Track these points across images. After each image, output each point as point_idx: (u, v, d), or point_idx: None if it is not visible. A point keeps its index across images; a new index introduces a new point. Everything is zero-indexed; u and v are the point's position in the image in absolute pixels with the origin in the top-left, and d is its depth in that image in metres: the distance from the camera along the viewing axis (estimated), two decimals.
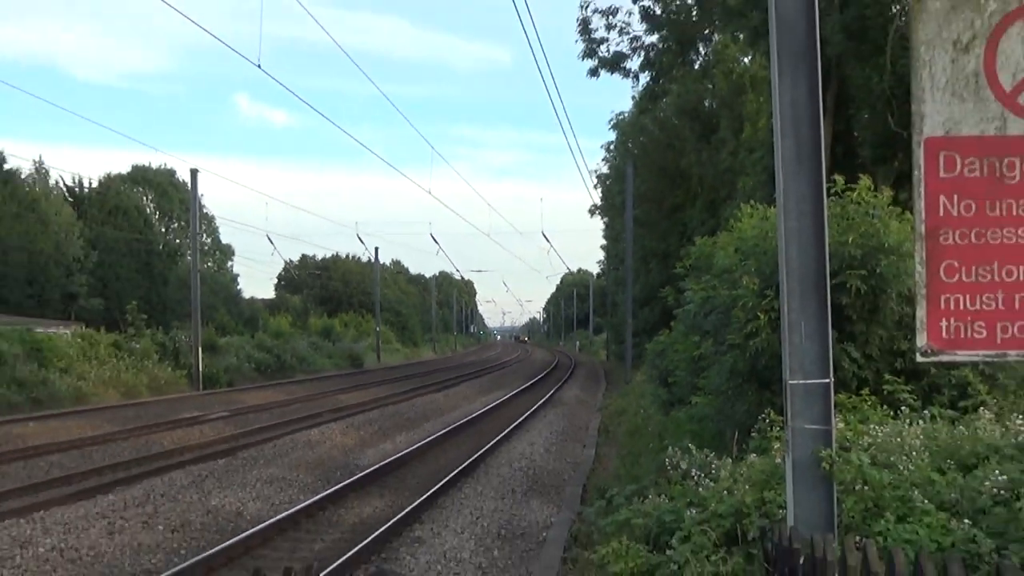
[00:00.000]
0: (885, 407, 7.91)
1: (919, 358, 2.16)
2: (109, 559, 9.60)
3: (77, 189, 60.62)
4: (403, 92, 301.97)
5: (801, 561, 2.99)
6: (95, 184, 61.83)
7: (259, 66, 19.72)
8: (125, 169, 68.53)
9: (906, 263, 8.46)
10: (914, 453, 6.46)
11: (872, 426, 7.12)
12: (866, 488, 5.91)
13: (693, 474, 7.81)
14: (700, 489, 7.37)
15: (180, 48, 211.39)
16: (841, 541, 2.68)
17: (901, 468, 6.20)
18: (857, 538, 4.15)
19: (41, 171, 60.51)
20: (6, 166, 54.41)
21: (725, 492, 6.97)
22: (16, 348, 27.49)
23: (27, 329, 31.40)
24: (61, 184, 60.97)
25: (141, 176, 67.81)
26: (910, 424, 7.19)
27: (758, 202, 11.99)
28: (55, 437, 18.74)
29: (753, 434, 8.28)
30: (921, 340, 2.12)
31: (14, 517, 11.07)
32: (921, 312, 2.12)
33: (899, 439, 6.71)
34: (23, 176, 57.16)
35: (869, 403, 7.93)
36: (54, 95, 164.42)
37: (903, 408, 7.84)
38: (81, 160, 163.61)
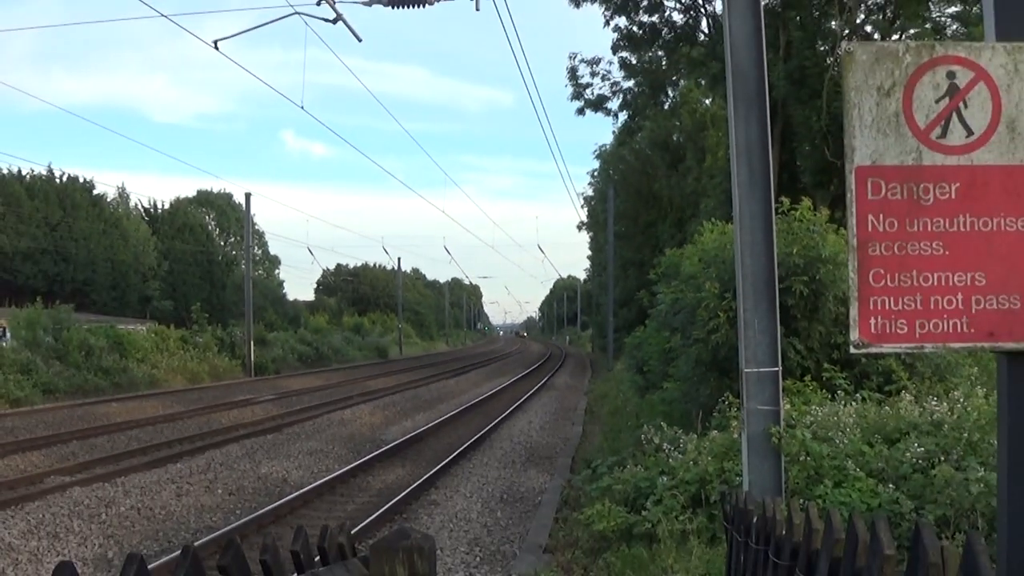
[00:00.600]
0: (824, 391, 7.91)
1: (852, 350, 2.15)
2: (178, 517, 9.61)
3: (152, 210, 60.99)
4: (422, 128, 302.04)
5: (754, 520, 2.98)
6: (167, 206, 62.34)
7: (302, 107, 19.75)
8: (191, 193, 68.69)
9: (841, 270, 8.45)
10: (848, 429, 6.46)
11: (813, 407, 7.12)
12: (808, 459, 5.92)
13: (664, 447, 7.81)
14: (670, 460, 7.36)
15: (238, 94, 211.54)
16: (788, 503, 2.68)
17: (837, 442, 6.20)
18: (801, 501, 4.14)
19: (123, 195, 60.93)
20: (95, 192, 54.81)
21: (691, 463, 6.97)
22: (102, 342, 27.47)
23: (111, 326, 31.39)
24: (139, 206, 61.39)
25: (204, 199, 67.82)
26: (845, 405, 7.19)
27: (718, 219, 11.99)
28: (133, 415, 18.74)
29: (714, 414, 8.28)
30: (854, 335, 2.12)
31: (100, 481, 11.07)
32: (854, 311, 2.12)
33: (836, 418, 6.70)
34: (108, 200, 57.47)
35: (811, 388, 7.93)
36: (135, 133, 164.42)
37: (839, 392, 7.84)
38: (156, 186, 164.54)
